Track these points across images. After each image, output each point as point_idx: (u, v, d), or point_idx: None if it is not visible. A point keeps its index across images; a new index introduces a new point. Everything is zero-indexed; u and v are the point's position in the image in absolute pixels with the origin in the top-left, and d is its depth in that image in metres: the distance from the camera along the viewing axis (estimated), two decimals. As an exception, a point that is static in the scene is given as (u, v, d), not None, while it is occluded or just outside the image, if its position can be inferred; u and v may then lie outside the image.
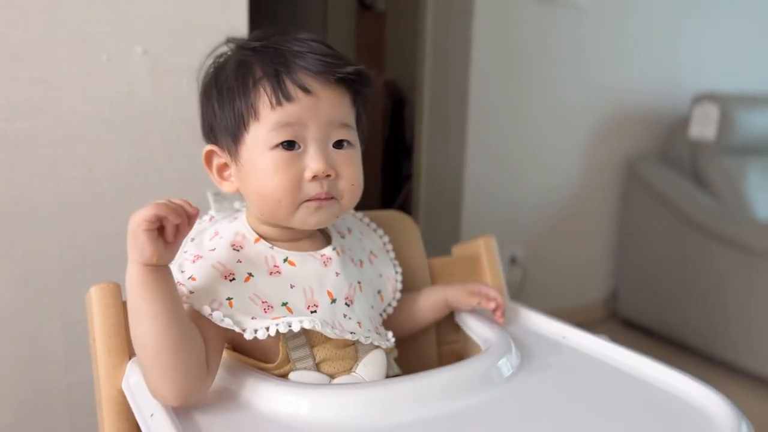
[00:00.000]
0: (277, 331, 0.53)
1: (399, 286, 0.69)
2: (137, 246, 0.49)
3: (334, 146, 0.58)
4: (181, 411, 0.50)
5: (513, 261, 1.93)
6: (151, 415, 0.49)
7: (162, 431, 0.47)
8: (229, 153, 0.59)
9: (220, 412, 0.51)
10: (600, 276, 2.17)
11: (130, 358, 0.57)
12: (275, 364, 0.56)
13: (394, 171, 2.57)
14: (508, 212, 1.90)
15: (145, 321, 0.49)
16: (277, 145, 0.55)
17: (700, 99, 1.98)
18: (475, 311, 0.71)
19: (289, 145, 0.56)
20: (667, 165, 2.09)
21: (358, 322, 0.59)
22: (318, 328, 0.54)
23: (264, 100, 0.56)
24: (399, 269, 0.70)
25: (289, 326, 0.53)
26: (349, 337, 0.57)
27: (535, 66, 1.84)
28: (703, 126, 1.99)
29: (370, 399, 0.51)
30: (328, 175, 0.56)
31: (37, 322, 0.85)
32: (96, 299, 0.57)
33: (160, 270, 0.50)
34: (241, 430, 0.49)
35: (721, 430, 0.48)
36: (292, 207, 0.56)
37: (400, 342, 0.66)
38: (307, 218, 0.57)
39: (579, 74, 1.93)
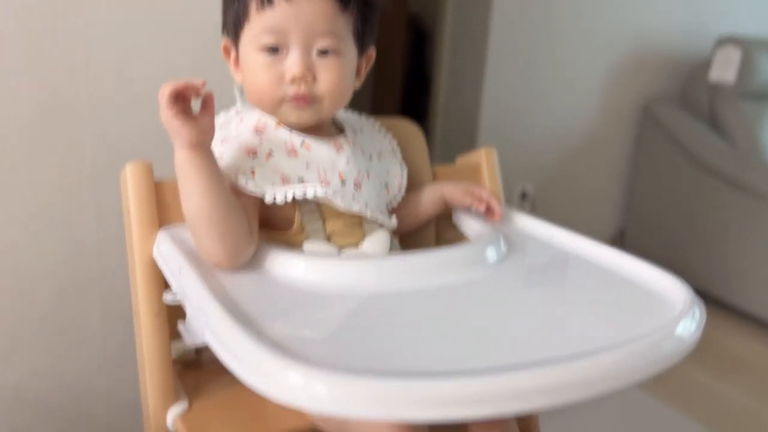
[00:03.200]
0: (294, 198, 0.60)
1: (404, 182, 0.75)
2: (174, 132, 0.57)
3: (319, 53, 0.63)
4: (204, 268, 0.58)
5: (523, 197, 1.98)
6: (179, 270, 0.57)
7: (190, 282, 0.54)
8: (234, 47, 0.66)
9: (239, 273, 0.58)
10: (608, 215, 2.21)
11: (159, 228, 0.64)
12: (291, 231, 0.64)
13: (413, 106, 2.60)
14: (520, 149, 1.93)
15: (197, 196, 0.57)
16: (263, 48, 0.63)
17: (723, 42, 1.98)
18: (470, 211, 0.77)
19: (272, 48, 0.63)
20: (684, 108, 2.10)
21: (366, 203, 0.66)
22: (329, 195, 0.62)
23: (253, 2, 0.62)
24: (405, 168, 0.76)
25: (304, 193, 0.61)
26: (356, 209, 0.64)
27: (557, 3, 1.84)
28: (724, 69, 2.00)
29: (368, 269, 0.58)
30: (307, 79, 0.62)
31: (73, 211, 0.92)
32: (130, 175, 0.64)
33: (202, 150, 0.58)
34: (257, 288, 0.56)
35: (676, 310, 0.54)
36: (274, 104, 0.64)
37: (401, 237, 0.73)
38: (288, 115, 0.65)
39: (601, 13, 1.93)
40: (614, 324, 0.53)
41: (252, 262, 0.60)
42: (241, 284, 0.56)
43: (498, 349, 0.47)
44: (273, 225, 0.65)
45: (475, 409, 0.39)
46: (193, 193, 0.57)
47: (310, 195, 0.62)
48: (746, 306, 1.89)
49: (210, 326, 0.47)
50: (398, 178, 0.75)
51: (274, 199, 0.61)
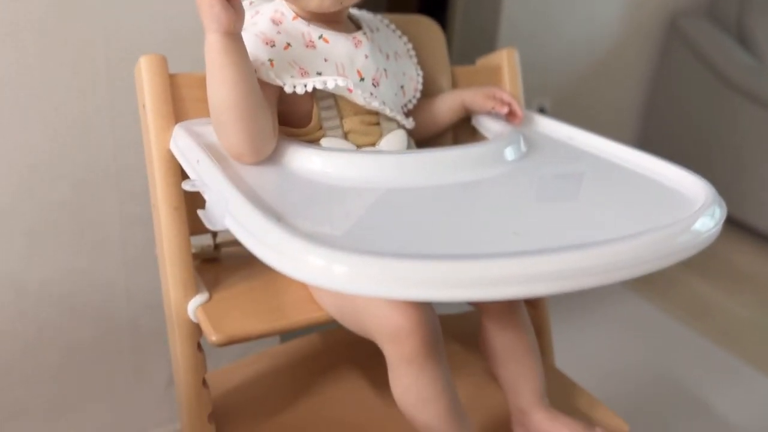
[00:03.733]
0: (313, 90, 0.59)
1: (419, 86, 0.74)
2: (213, 16, 0.54)
3: None
4: (223, 160, 0.58)
5: (541, 111, 1.95)
6: (197, 161, 0.57)
7: (208, 171, 0.54)
8: None
9: (259, 166, 0.58)
10: (626, 133, 2.18)
11: (176, 123, 0.64)
12: (308, 128, 0.63)
13: (431, 7, 2.52)
14: (539, 62, 1.89)
15: (227, 86, 0.56)
16: None
17: (755, -50, 1.89)
18: (490, 114, 0.76)
19: None
20: (712, 22, 2.03)
21: (383, 101, 0.65)
22: (350, 86, 0.61)
23: None
24: (420, 72, 0.74)
25: (325, 84, 0.60)
26: (375, 105, 0.63)
27: None
28: (755, -20, 1.91)
29: (387, 163, 0.58)
30: None
31: (88, 111, 0.92)
32: (145, 68, 0.63)
33: (236, 37, 0.56)
34: (277, 180, 0.56)
35: (696, 206, 0.54)
36: None
37: (418, 145, 0.72)
38: (308, 1, 0.62)
39: None
40: (632, 216, 0.53)
41: (271, 157, 0.60)
42: (260, 176, 0.56)
43: (515, 237, 0.47)
44: (290, 121, 0.65)
45: (494, 290, 0.40)
46: (224, 82, 0.56)
47: (330, 86, 0.61)
48: (760, 224, 1.89)
49: (230, 210, 0.48)
50: (414, 81, 0.73)
51: (294, 89, 0.60)
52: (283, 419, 0.69)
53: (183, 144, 0.61)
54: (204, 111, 0.65)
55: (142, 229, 1.00)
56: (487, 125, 0.75)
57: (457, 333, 0.85)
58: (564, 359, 0.87)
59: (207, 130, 0.63)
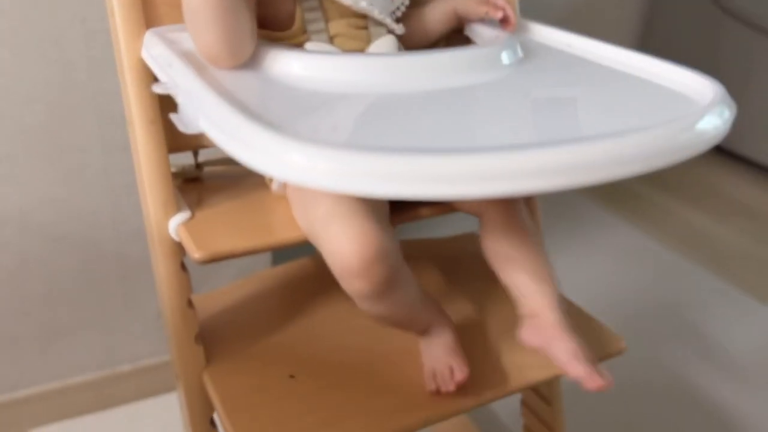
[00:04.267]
0: None
1: None
2: None
3: None
4: (198, 64, 0.54)
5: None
6: (170, 65, 0.53)
7: (181, 73, 0.51)
8: None
9: (236, 70, 0.54)
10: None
11: (147, 30, 0.60)
12: (291, 31, 0.59)
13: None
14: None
15: None
16: None
17: None
18: (484, 22, 0.71)
19: None
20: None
21: (371, 3, 0.60)
22: None
23: None
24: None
25: None
26: (363, 6, 0.59)
27: None
28: None
29: (375, 66, 0.54)
30: None
31: (59, 24, 0.87)
32: (112, -31, 0.58)
33: None
34: (256, 84, 0.53)
35: (702, 105, 0.51)
36: None
37: (409, 55, 0.68)
38: None
39: None
40: (635, 117, 0.49)
41: (249, 62, 0.56)
42: (237, 81, 0.53)
43: (511, 133, 0.44)
44: (270, 24, 0.60)
45: (491, 184, 0.37)
46: None
47: None
48: (756, 156, 1.86)
49: (203, 110, 0.44)
50: None
51: None
52: (272, 340, 0.68)
53: (156, 51, 0.57)
54: (178, 17, 0.60)
55: (126, 154, 0.96)
56: (482, 33, 0.70)
57: (456, 254, 0.83)
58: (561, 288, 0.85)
59: (182, 36, 0.59)
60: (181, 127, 0.46)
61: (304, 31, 0.60)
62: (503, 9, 0.69)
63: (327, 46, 0.60)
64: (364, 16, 0.62)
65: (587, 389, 0.55)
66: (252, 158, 0.40)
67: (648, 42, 2.09)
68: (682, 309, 1.41)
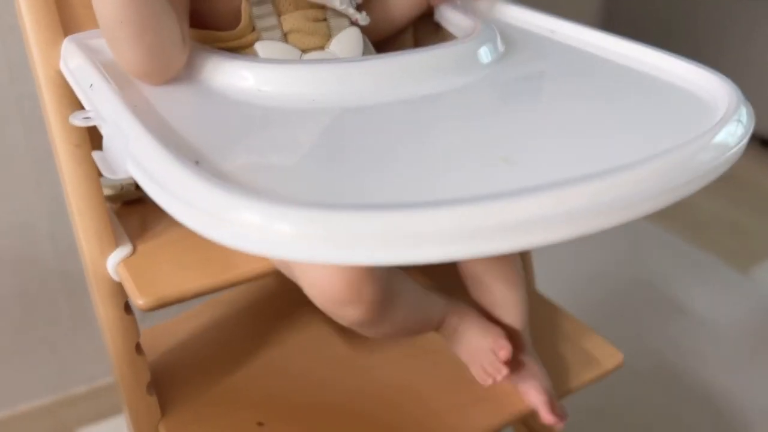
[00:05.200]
0: None
1: None
2: None
3: None
4: (125, 82, 0.45)
5: None
6: (91, 85, 0.44)
7: (103, 98, 0.42)
8: None
9: (169, 86, 0.46)
10: (589, 9, 2.05)
11: (65, 37, 0.50)
12: (237, 30, 0.51)
13: None
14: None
15: None
16: None
17: None
18: (455, 5, 0.64)
19: None
20: None
21: None
22: None
23: None
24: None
25: None
26: None
27: None
28: None
29: (335, 75, 0.46)
30: None
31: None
32: (15, -34, 0.49)
33: None
34: (193, 104, 0.44)
35: (716, 112, 0.44)
36: None
37: (375, 47, 0.60)
38: None
39: None
40: (639, 133, 0.42)
41: (188, 73, 0.47)
42: (173, 101, 0.44)
43: (505, 165, 0.36)
44: (211, 24, 0.52)
45: (500, 241, 0.30)
46: None
47: None
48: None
49: (131, 151, 0.36)
50: None
51: None
52: (235, 379, 0.61)
53: (75, 64, 0.48)
54: (100, 18, 0.51)
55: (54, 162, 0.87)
56: (453, 19, 0.62)
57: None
58: (536, 267, 0.79)
59: (104, 43, 0.50)
60: (107, 172, 0.37)
61: (253, 29, 0.51)
62: None
63: (281, 46, 0.51)
64: (322, 7, 0.53)
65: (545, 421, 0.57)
66: (194, 220, 0.32)
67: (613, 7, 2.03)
68: (662, 282, 1.38)
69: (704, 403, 1.10)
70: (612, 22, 2.01)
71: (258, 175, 0.35)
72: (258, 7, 0.51)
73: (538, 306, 0.68)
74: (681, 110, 0.46)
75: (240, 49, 0.52)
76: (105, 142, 0.39)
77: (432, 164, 0.38)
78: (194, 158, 0.36)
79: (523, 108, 0.46)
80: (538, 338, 0.62)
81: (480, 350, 0.58)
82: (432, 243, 0.29)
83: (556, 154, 0.39)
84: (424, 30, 0.68)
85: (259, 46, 0.51)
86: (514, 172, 0.36)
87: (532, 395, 0.57)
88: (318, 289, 0.45)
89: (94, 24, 0.52)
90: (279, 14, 0.52)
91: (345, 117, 0.44)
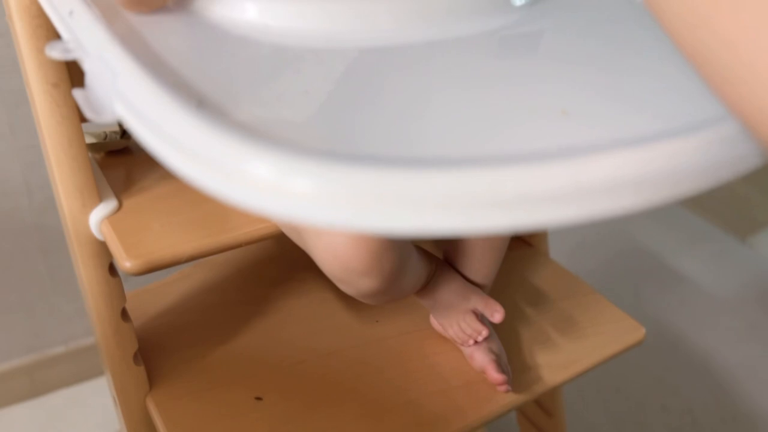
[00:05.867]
0: None
1: None
2: None
3: None
4: (110, 11, 0.39)
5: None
6: (70, 12, 0.38)
7: (85, 28, 0.36)
8: None
9: (161, 16, 0.39)
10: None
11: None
12: None
13: None
14: None
15: None
16: None
17: None
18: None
19: None
20: None
21: None
22: None
23: None
24: None
25: None
26: None
27: None
28: None
29: (355, 11, 0.40)
30: None
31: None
32: None
33: None
34: (189, 38, 0.38)
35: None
36: None
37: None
38: None
39: None
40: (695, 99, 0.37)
41: (181, 2, 0.41)
42: (167, 32, 0.38)
43: (565, 118, 0.31)
44: None
45: (567, 207, 0.25)
46: None
47: None
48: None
49: (119, 88, 0.30)
50: None
51: None
52: (230, 348, 0.56)
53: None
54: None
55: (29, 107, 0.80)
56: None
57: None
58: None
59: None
60: (90, 114, 0.31)
61: None
62: None
63: None
64: None
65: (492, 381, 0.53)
66: (195, 172, 0.26)
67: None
68: (661, 250, 1.35)
69: (702, 373, 1.08)
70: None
71: (270, 120, 0.29)
72: None
73: (556, 278, 0.64)
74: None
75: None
76: (87, 78, 0.33)
77: (484, 112, 0.32)
78: (195, 99, 0.30)
79: (558, 61, 0.40)
80: (558, 310, 0.58)
81: (458, 311, 0.54)
82: (496, 207, 0.24)
83: (611, 105, 0.34)
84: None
85: None
86: (576, 126, 0.30)
87: (478, 357, 0.54)
88: (335, 258, 0.40)
89: (72, -55, 0.45)
90: None
91: (367, 59, 0.38)
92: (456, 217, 0.25)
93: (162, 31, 0.38)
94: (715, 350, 1.12)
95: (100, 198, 0.48)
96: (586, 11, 0.47)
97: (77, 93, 0.33)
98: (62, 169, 0.47)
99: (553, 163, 0.26)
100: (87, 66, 0.34)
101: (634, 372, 1.07)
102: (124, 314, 0.50)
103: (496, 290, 0.61)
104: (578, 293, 0.63)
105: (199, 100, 0.30)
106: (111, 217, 0.47)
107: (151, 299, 0.60)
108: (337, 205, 0.25)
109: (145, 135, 0.28)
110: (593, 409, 1.02)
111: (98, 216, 0.47)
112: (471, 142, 0.28)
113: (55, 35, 0.42)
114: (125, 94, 0.30)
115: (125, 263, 0.43)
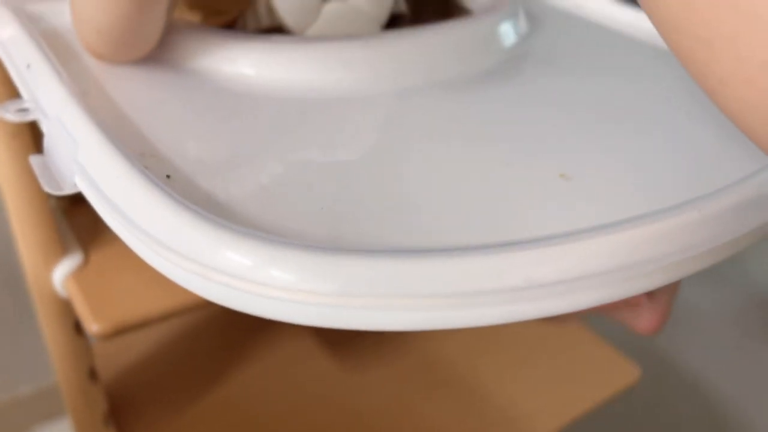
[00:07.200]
0: None
1: None
2: None
3: None
4: (75, 61, 0.36)
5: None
6: (28, 66, 0.35)
7: (43, 81, 0.33)
8: None
9: (134, 68, 0.36)
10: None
11: (-5, -1, 0.40)
12: None
13: None
14: None
15: None
16: None
17: None
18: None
19: None
20: None
21: None
22: None
23: None
24: None
25: None
26: None
27: None
28: None
29: (336, 59, 0.38)
30: None
31: None
32: None
33: None
34: (160, 91, 0.35)
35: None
36: None
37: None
38: None
39: None
40: (715, 147, 0.35)
41: (159, 50, 0.38)
42: (134, 84, 0.35)
43: (565, 182, 0.29)
44: None
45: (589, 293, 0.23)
46: None
47: None
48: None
49: (80, 160, 0.27)
50: None
51: None
52: (209, 403, 0.53)
53: (7, 35, 0.38)
54: (42, -23, 0.42)
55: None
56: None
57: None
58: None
59: (50, 8, 0.41)
60: (48, 186, 0.28)
61: None
62: None
63: None
64: None
65: None
66: (161, 262, 0.24)
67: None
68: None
69: (693, 394, 1.07)
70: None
71: (251, 196, 0.27)
72: None
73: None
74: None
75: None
76: (46, 143, 0.30)
77: (482, 177, 0.30)
78: (165, 171, 0.27)
79: (550, 108, 0.38)
80: (546, 351, 0.56)
81: None
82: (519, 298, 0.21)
83: (613, 163, 0.32)
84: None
85: None
86: (580, 195, 0.28)
87: None
88: None
89: (32, -15, 0.42)
90: None
91: (348, 112, 0.35)
92: (447, 311, 0.23)
93: (132, 84, 0.35)
94: (707, 371, 1.12)
95: (65, 251, 0.45)
96: (572, 51, 0.46)
97: (35, 160, 0.30)
98: (22, 223, 0.43)
99: (559, 246, 0.24)
100: (45, 129, 0.31)
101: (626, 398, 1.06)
102: (93, 374, 0.47)
103: (479, 330, 0.59)
104: (568, 332, 0.61)
105: (168, 173, 0.27)
106: (76, 273, 0.44)
107: (122, 350, 0.57)
108: (323, 302, 0.22)
109: (109, 215, 0.26)
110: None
111: (62, 272, 0.44)
112: (465, 229, 0.26)
113: (14, 91, 0.38)
114: (85, 165, 0.27)
115: (92, 326, 0.40)
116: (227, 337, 0.59)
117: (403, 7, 0.48)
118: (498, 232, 0.25)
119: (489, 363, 0.58)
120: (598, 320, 0.62)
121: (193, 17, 0.43)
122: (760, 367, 1.12)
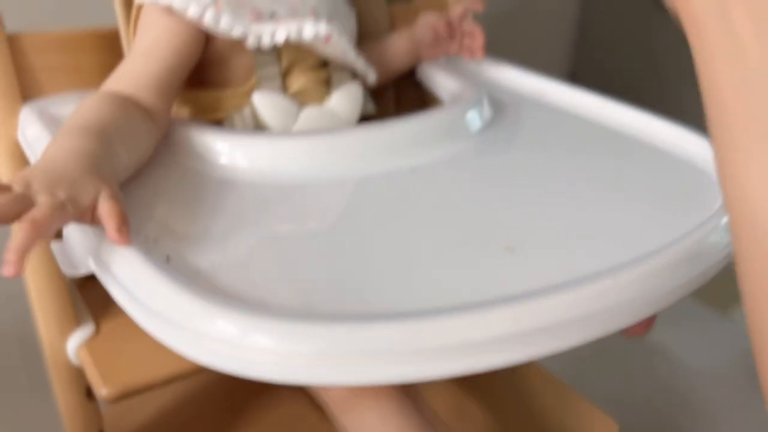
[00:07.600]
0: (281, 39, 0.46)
1: (355, 28, 0.58)
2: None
3: None
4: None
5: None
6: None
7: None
8: None
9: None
10: (557, 61, 2.08)
11: (24, 102, 0.47)
12: (245, 86, 0.48)
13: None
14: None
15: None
16: None
17: None
18: (438, 62, 0.61)
19: None
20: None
21: (344, 49, 0.50)
22: (322, 33, 0.47)
23: None
24: (353, 11, 0.59)
25: (300, 33, 0.46)
26: (351, 58, 0.51)
27: None
28: None
29: (312, 149, 0.43)
30: None
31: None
32: (-32, 28, 0.45)
33: None
34: (165, 184, 0.41)
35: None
36: None
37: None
38: None
39: None
40: (646, 213, 0.40)
41: (160, 150, 0.44)
42: (143, 182, 0.40)
43: (508, 254, 0.34)
44: (214, 80, 0.48)
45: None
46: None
47: (308, 36, 0.46)
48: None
49: (91, 244, 0.32)
50: (351, 22, 0.57)
51: (259, 42, 0.46)
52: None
53: (32, 133, 0.44)
54: (63, 83, 0.48)
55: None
56: (436, 78, 0.60)
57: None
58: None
59: (69, 111, 0.46)
60: (67, 268, 0.33)
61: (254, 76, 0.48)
62: (459, 30, 0.60)
63: (279, 99, 0.48)
64: (326, 63, 0.51)
65: None
66: (166, 333, 0.28)
67: (584, 43, 2.05)
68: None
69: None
70: (580, 71, 2.04)
71: (239, 275, 0.32)
72: (261, 56, 0.48)
73: (523, 371, 0.65)
74: (683, 182, 0.43)
75: (234, 104, 0.48)
76: (65, 231, 0.36)
77: (435, 249, 0.34)
78: (164, 253, 0.32)
79: (513, 187, 0.43)
80: (524, 408, 0.59)
81: None
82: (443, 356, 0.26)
83: (556, 237, 0.36)
84: (404, 88, 0.65)
85: (257, 97, 0.47)
86: (520, 264, 0.33)
87: None
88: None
89: (55, 89, 0.49)
90: (285, 74, 0.49)
91: (322, 196, 0.40)
92: (405, 366, 0.27)
93: (136, 180, 0.40)
94: (699, 424, 1.13)
95: (78, 323, 0.49)
96: (533, 135, 0.51)
97: (55, 247, 0.35)
98: (40, 298, 0.48)
99: (494, 310, 0.28)
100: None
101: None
102: (102, 437, 0.51)
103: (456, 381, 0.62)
104: (549, 389, 0.65)
105: (168, 255, 0.32)
106: (88, 342, 0.49)
107: (130, 415, 0.60)
108: (306, 364, 0.27)
109: (118, 293, 0.30)
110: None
111: (75, 342, 0.49)
112: (420, 295, 0.31)
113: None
114: (97, 250, 0.32)
115: (102, 390, 0.45)
116: (228, 399, 0.62)
117: (371, 109, 0.55)
118: (443, 298, 0.30)
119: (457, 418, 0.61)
120: (578, 375, 0.65)
121: (182, 113, 0.49)
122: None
